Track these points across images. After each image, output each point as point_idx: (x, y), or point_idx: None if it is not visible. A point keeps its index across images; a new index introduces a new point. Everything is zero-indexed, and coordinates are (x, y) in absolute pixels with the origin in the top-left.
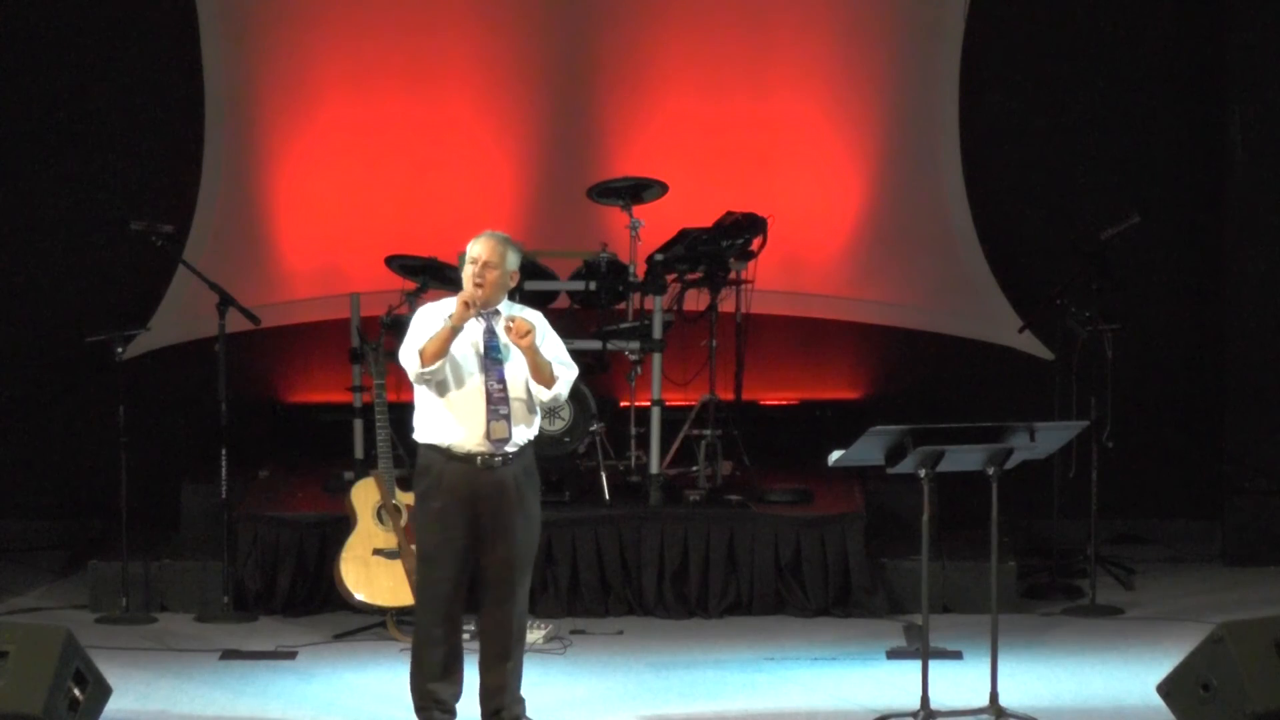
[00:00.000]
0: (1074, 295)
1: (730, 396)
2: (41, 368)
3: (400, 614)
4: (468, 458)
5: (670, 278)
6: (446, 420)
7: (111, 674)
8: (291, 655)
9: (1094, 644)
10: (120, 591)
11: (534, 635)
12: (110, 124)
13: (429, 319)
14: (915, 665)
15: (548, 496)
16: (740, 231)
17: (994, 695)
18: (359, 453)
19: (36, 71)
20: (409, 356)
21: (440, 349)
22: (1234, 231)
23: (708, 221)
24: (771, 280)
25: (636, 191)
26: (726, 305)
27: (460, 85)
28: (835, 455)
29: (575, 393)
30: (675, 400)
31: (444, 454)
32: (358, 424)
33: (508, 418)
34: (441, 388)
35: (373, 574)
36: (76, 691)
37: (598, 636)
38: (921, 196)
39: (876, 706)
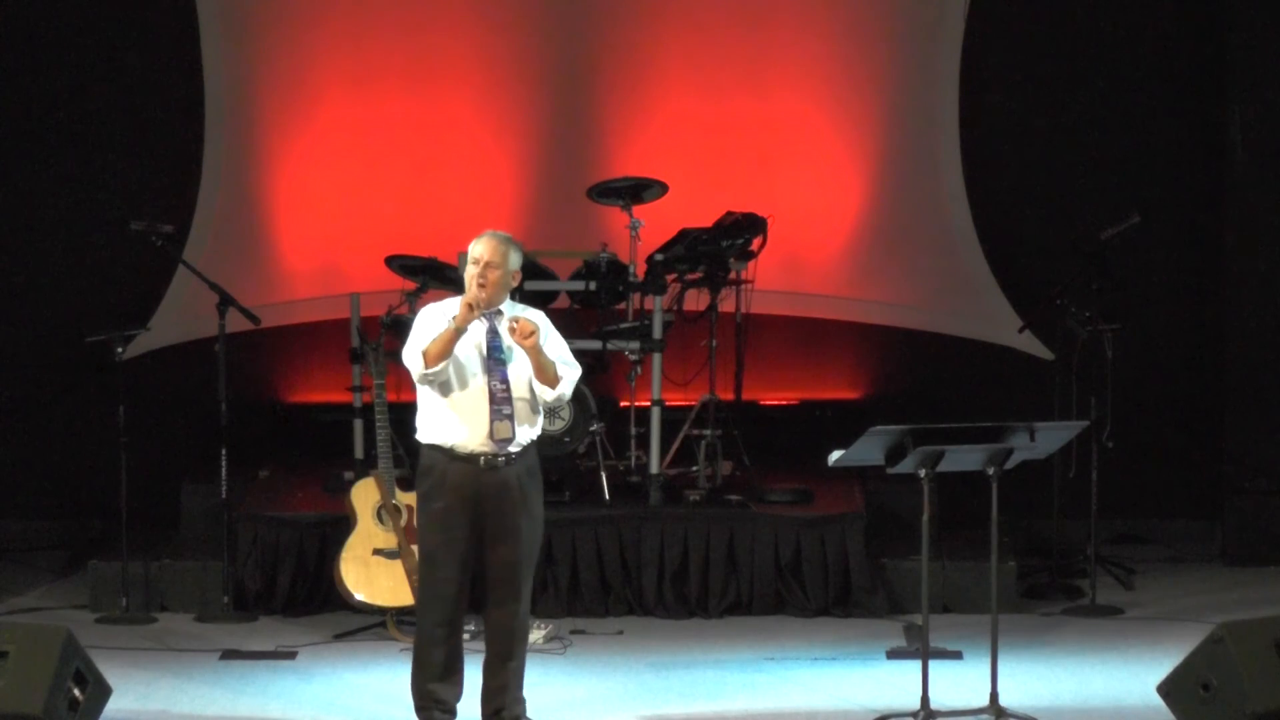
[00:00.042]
0: (1074, 295)
1: (730, 396)
2: (41, 368)
3: (400, 614)
4: (471, 458)
5: (670, 278)
6: (450, 420)
7: (111, 674)
8: (291, 655)
9: (1094, 644)
10: (120, 591)
11: (534, 635)
12: (110, 124)
13: (432, 319)
14: (915, 665)
15: (548, 496)
16: (740, 231)
17: (994, 695)
18: (359, 453)
19: (36, 71)
20: (412, 357)
21: (444, 350)
22: (1234, 231)
23: (708, 221)
24: (771, 280)
25: (636, 191)
26: (726, 305)
27: (460, 85)
28: (835, 455)
29: (575, 393)
30: (675, 400)
31: (447, 454)
32: (358, 424)
33: (511, 418)
34: (445, 388)
35: (373, 574)
36: (76, 691)
37: (598, 636)
38: (921, 196)
39: (876, 706)
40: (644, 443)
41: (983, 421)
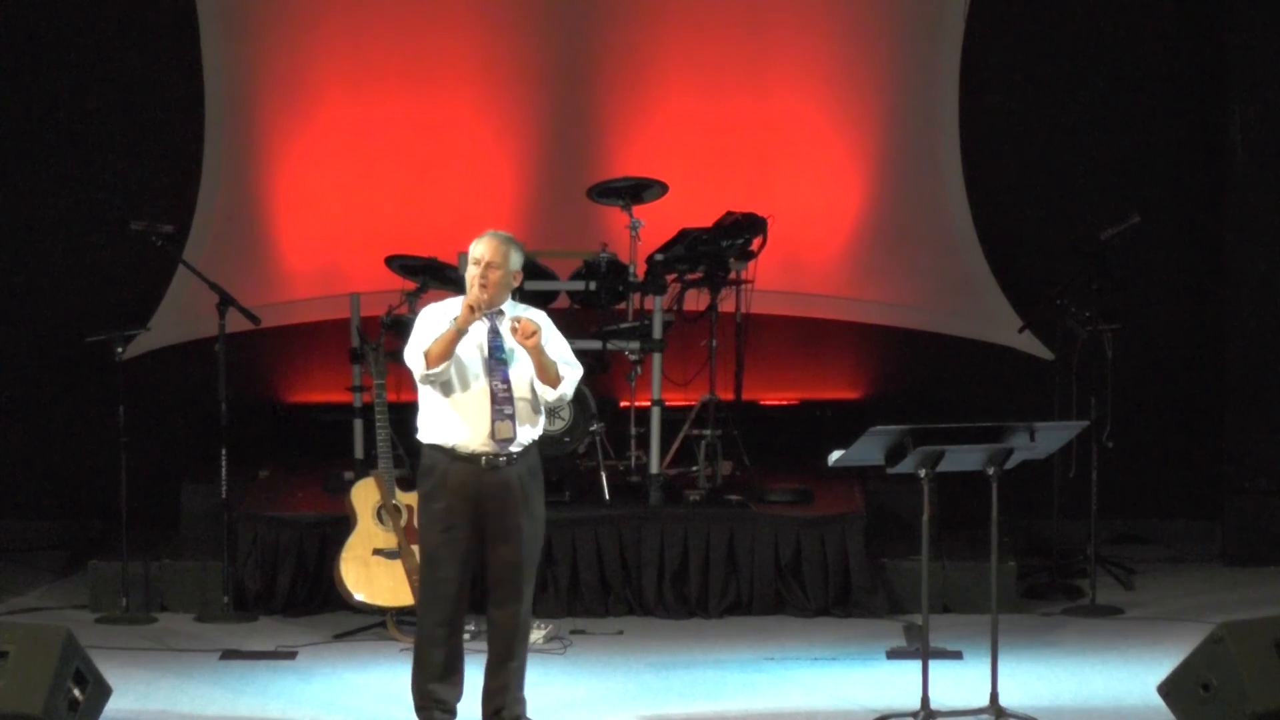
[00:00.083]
0: (1074, 295)
1: (730, 396)
2: (41, 368)
3: (400, 614)
4: (472, 458)
5: (670, 278)
6: (451, 420)
7: (111, 674)
8: (291, 655)
9: (1094, 644)
10: (120, 591)
11: (534, 635)
12: (110, 124)
13: (433, 319)
14: (915, 665)
15: (548, 496)
16: (740, 231)
17: (994, 695)
18: (359, 453)
19: (36, 71)
20: (414, 358)
21: (445, 351)
22: (1234, 231)
23: (708, 221)
24: (771, 280)
25: (636, 191)
26: (726, 305)
27: (460, 85)
28: (835, 455)
29: (575, 393)
30: (675, 400)
31: (448, 454)
32: (358, 424)
33: (512, 418)
34: (446, 388)
35: (373, 574)
36: (76, 691)
37: (598, 636)
38: (921, 196)
39: (876, 706)
40: (644, 443)
41: (983, 421)
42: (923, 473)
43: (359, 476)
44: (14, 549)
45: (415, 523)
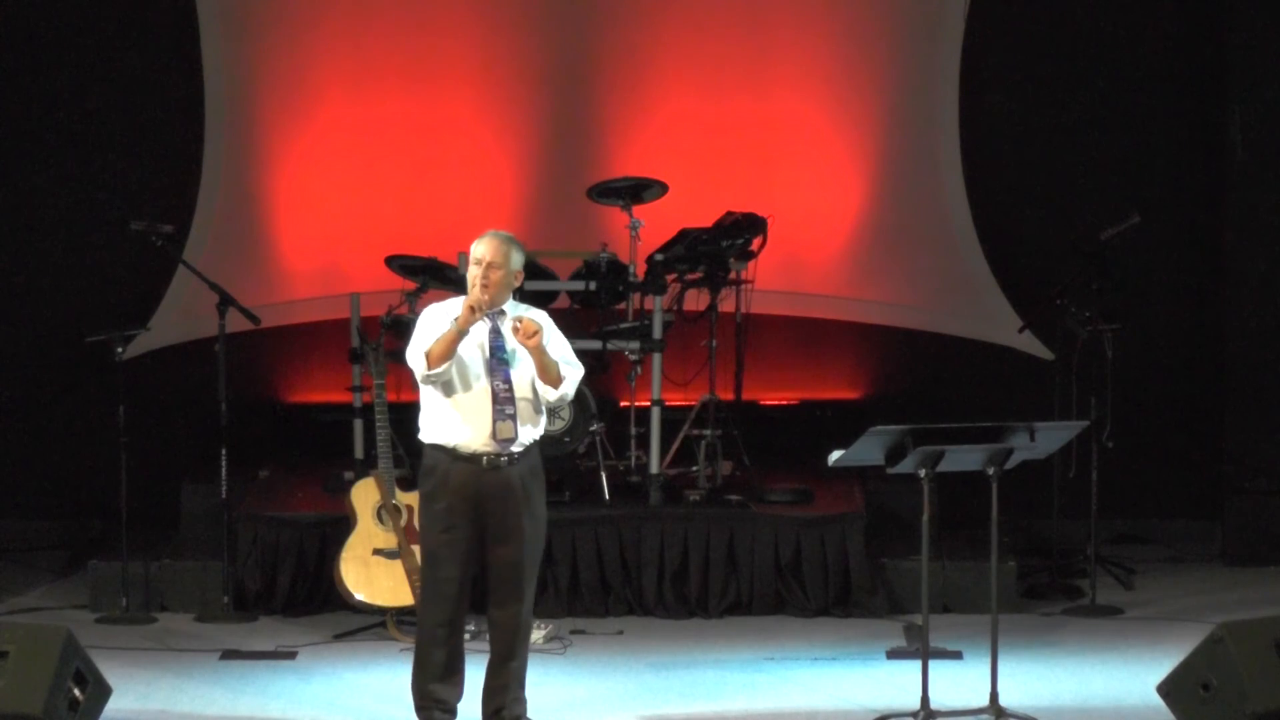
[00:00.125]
0: (1074, 295)
1: (730, 396)
2: (41, 368)
3: (400, 614)
4: (473, 458)
5: (670, 278)
6: (452, 420)
7: (111, 674)
8: (291, 655)
9: (1094, 644)
10: (120, 591)
11: (534, 635)
12: (110, 124)
13: (435, 320)
14: (915, 665)
15: (548, 497)
16: (740, 231)
17: (994, 695)
18: (359, 453)
19: (36, 71)
20: (415, 358)
21: (446, 351)
22: (1234, 231)
23: (708, 221)
24: (771, 280)
25: (636, 191)
26: (726, 305)
27: (460, 85)
28: (835, 455)
29: (575, 393)
30: (675, 400)
31: (450, 454)
32: (358, 424)
33: (514, 418)
34: (448, 388)
35: (373, 574)
36: (76, 691)
37: (598, 636)
38: (921, 196)
39: (876, 706)
40: (644, 443)
41: (983, 421)
42: (923, 473)
43: (359, 476)
44: (14, 549)
45: (415, 523)
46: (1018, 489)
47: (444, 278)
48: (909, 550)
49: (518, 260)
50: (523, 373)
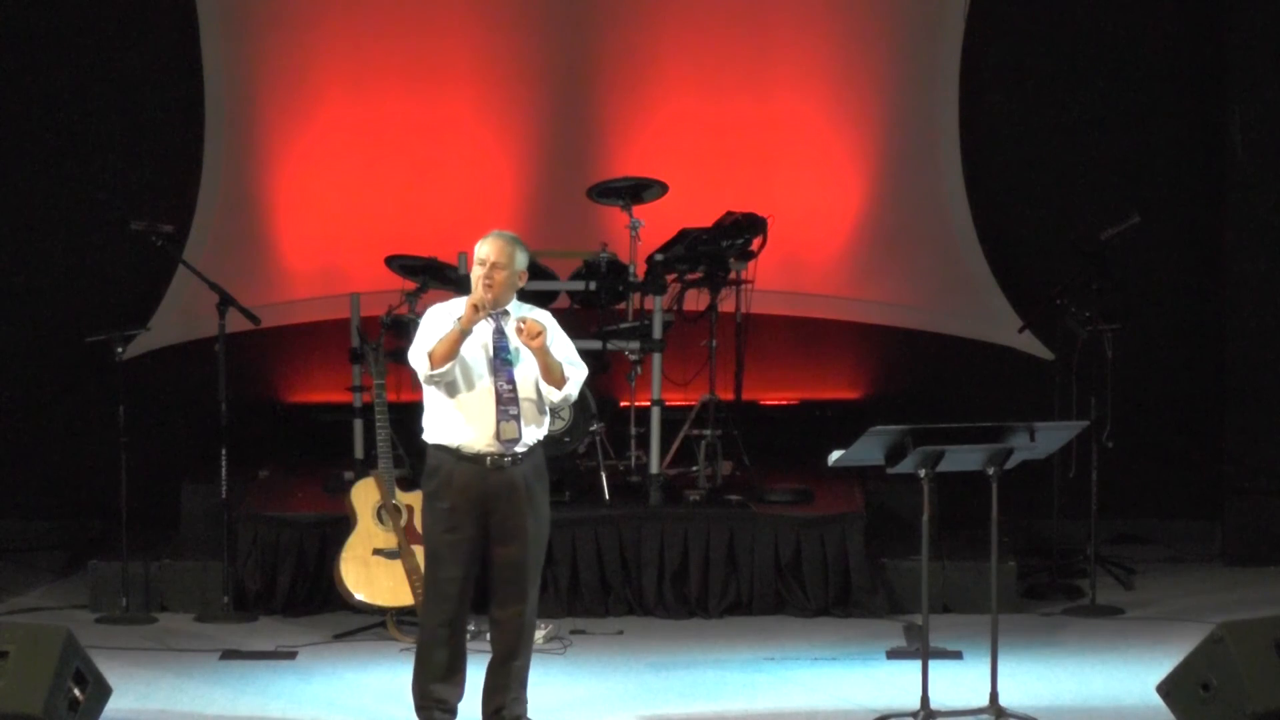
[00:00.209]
0: (1074, 295)
1: (730, 396)
2: (41, 368)
3: (400, 614)
4: (477, 458)
5: (670, 278)
6: (456, 421)
7: (111, 674)
8: (291, 655)
9: (1094, 644)
10: (120, 591)
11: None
12: (110, 124)
13: (438, 320)
14: (915, 665)
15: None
16: (740, 231)
17: (994, 695)
18: (359, 453)
19: (36, 71)
20: (419, 358)
21: (450, 351)
22: (1234, 231)
23: (708, 221)
24: (771, 280)
25: (636, 191)
26: (726, 305)
27: (460, 85)
28: (835, 455)
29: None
30: (675, 400)
31: (453, 454)
32: (358, 424)
33: (518, 418)
34: (451, 388)
35: (373, 574)
36: (76, 691)
37: (598, 636)
38: (921, 196)
39: (876, 706)
40: (644, 443)
41: (983, 421)
42: (923, 473)
43: (359, 476)
44: (14, 549)
45: (415, 523)
46: (1018, 489)
47: (444, 278)
48: (909, 550)
49: (522, 260)
50: (526, 373)
